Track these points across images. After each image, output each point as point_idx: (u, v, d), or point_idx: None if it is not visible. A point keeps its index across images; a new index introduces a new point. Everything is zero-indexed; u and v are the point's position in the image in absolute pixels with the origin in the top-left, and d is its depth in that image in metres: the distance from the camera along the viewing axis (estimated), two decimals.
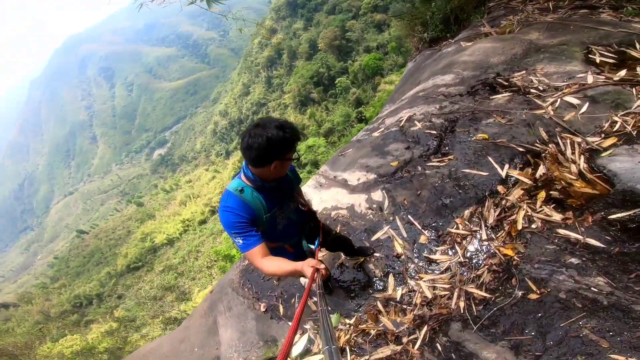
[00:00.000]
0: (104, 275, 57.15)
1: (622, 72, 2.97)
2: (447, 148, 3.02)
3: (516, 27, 4.36)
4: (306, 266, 1.46)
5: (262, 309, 2.93)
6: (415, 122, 3.50)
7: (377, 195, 3.04)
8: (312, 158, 42.50)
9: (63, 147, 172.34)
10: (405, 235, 2.64)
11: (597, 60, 3.24)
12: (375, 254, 2.69)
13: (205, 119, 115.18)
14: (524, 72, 3.45)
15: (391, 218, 2.79)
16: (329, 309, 1.28)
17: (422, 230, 2.59)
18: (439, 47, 5.92)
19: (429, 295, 2.18)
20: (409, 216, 2.70)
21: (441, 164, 2.87)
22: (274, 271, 1.56)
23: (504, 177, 2.50)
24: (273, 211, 1.75)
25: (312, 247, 2.08)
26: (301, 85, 56.65)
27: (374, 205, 2.98)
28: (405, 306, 2.27)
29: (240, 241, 1.59)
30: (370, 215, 2.95)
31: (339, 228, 3.09)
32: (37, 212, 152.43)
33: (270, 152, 1.52)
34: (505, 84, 3.40)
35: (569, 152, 2.47)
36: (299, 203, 2.00)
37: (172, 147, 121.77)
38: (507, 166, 2.55)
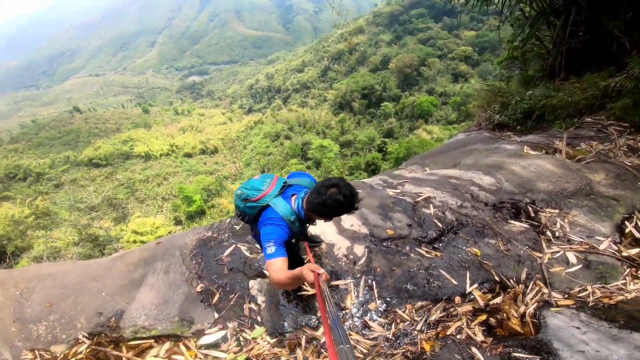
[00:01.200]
0: (61, 157, 55.97)
1: (635, 251, 2.94)
2: (440, 245, 3.15)
3: (590, 158, 4.14)
4: (306, 270, 1.60)
5: (198, 289, 2.97)
6: (431, 206, 3.60)
7: (359, 250, 3.15)
8: (319, 157, 42.68)
9: (123, 40, 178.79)
10: (360, 295, 2.79)
11: (627, 230, 3.17)
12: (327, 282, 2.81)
13: (251, 71, 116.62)
14: (557, 211, 3.43)
15: (358, 275, 2.93)
16: (337, 310, 1.48)
17: (376, 298, 2.75)
18: (499, 135, 5.70)
19: None
20: (374, 282, 2.85)
21: (426, 255, 3.01)
22: (283, 280, 1.72)
23: (466, 292, 2.69)
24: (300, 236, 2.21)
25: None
26: (350, 90, 56.71)
27: (351, 257, 3.11)
28: (322, 350, 2.42)
29: (273, 249, 1.81)
30: (343, 263, 3.08)
31: (311, 257, 3.19)
32: (54, 78, 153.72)
33: (334, 213, 1.91)
34: (532, 214, 3.44)
35: (529, 297, 2.65)
36: None
37: (209, 80, 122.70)
38: (475, 286, 2.72)
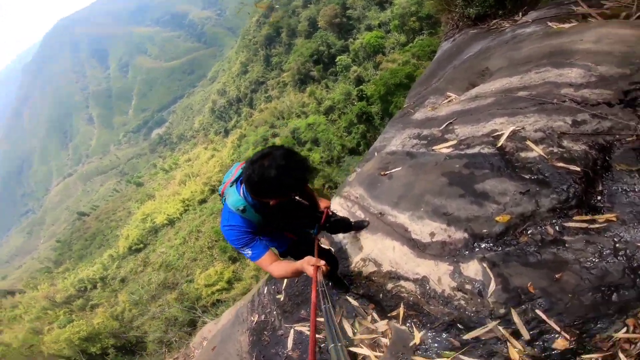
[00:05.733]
0: (106, 257, 56.85)
1: None
2: (599, 199, 1.86)
3: (636, 12, 3.07)
4: (306, 264, 1.52)
5: None
6: (529, 143, 2.23)
7: (472, 269, 1.97)
8: (312, 136, 41.80)
9: (59, 128, 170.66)
10: (527, 336, 1.72)
11: None
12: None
13: (203, 97, 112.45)
14: None
15: (501, 310, 1.81)
16: (333, 305, 1.31)
17: (561, 331, 1.70)
18: (489, 27, 4.80)
19: None
20: (538, 310, 1.73)
21: (593, 228, 1.78)
22: (282, 274, 1.67)
23: None
24: (273, 223, 1.84)
25: (312, 231, 2.18)
26: (300, 64, 54.65)
27: (467, 286, 1.94)
28: None
29: (250, 252, 1.68)
30: (461, 301, 1.94)
31: (402, 310, 2.12)
32: (37, 195, 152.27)
33: (270, 192, 1.52)
34: None
35: None
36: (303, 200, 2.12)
37: (170, 126, 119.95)
38: None
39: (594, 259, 1.71)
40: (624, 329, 1.61)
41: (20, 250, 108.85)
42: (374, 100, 34.60)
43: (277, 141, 49.01)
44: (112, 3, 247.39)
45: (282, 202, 1.64)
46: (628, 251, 1.64)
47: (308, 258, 1.55)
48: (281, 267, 1.65)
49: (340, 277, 2.56)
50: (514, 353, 1.75)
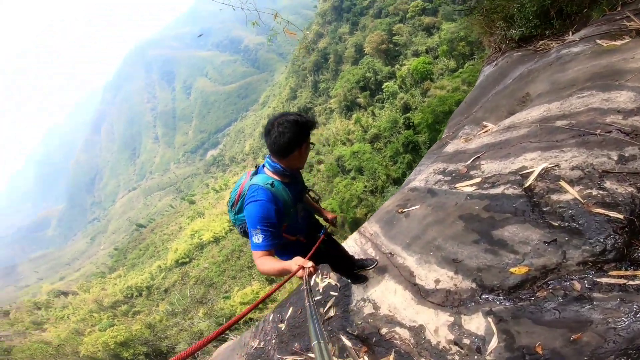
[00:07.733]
0: (155, 268, 60.25)
1: None
2: None
3: None
4: (292, 264, 1.51)
5: None
6: (563, 184, 1.90)
7: (476, 323, 1.70)
8: (357, 164, 40.86)
9: (130, 145, 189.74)
10: None
11: None
12: None
13: (254, 122, 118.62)
14: None
15: None
16: (315, 305, 1.25)
17: None
18: (535, 48, 4.43)
19: None
20: None
21: (633, 284, 1.44)
22: (267, 270, 1.63)
23: None
24: (296, 205, 1.91)
25: (318, 234, 2.20)
26: (347, 90, 55.36)
27: (465, 340, 1.68)
28: None
29: (260, 238, 1.64)
30: (456, 356, 1.68)
31: (392, 357, 1.94)
32: (104, 205, 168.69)
33: (300, 134, 1.67)
34: None
35: None
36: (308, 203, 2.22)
37: (224, 148, 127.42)
38: None
39: (626, 320, 1.35)
40: None
41: (82, 254, 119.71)
42: (421, 129, 33.65)
43: (322, 168, 49.42)
44: (180, 27, 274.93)
45: (302, 163, 1.82)
46: None
47: (296, 258, 1.53)
48: (268, 263, 1.62)
49: (357, 272, 2.66)
50: None
